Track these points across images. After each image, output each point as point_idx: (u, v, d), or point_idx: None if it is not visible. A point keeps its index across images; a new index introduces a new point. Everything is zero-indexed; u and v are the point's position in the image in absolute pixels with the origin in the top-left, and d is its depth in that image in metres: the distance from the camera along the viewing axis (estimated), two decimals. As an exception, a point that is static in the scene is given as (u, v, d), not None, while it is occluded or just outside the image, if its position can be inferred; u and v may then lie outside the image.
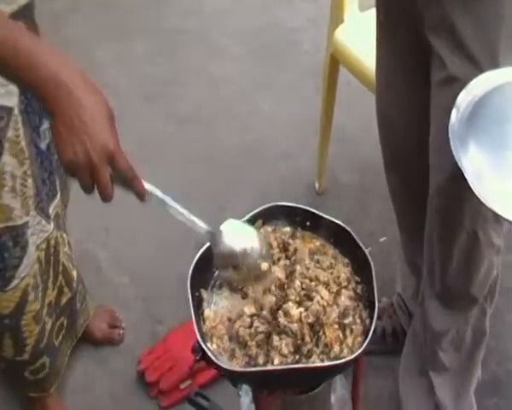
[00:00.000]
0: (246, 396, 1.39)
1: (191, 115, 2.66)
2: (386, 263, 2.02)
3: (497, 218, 1.47)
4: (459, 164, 1.16)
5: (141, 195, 1.12)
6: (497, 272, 1.65)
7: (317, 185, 2.41)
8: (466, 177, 1.14)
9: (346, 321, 1.21)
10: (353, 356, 1.17)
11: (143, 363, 1.96)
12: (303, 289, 1.24)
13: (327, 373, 1.23)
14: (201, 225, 1.17)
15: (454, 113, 1.22)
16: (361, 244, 1.28)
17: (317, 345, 1.19)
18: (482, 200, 1.12)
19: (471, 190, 1.15)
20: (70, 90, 1.03)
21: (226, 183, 2.40)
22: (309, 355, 1.18)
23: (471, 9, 1.34)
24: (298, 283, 1.24)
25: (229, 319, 1.24)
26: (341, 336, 1.20)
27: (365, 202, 2.37)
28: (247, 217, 1.31)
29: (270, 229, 1.33)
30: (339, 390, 1.47)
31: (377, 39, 1.64)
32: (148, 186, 1.12)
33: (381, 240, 2.24)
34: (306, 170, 2.44)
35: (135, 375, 1.96)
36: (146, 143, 2.49)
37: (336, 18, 2.09)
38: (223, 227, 1.19)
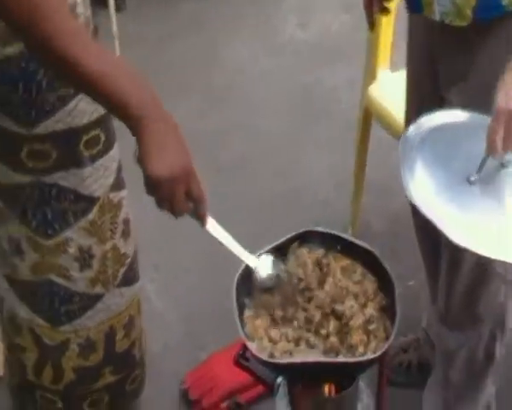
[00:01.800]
0: (281, 401, 1.56)
1: (232, 165, 2.86)
2: (414, 305, 2.15)
3: None
4: (407, 191, 1.27)
5: (203, 220, 1.26)
6: (506, 299, 1.72)
7: (350, 231, 2.56)
8: (414, 202, 1.26)
9: (371, 327, 1.36)
10: (376, 355, 1.32)
11: (187, 381, 2.12)
12: (333, 297, 1.41)
13: (351, 369, 1.38)
14: (247, 257, 1.35)
15: (404, 140, 1.35)
16: (385, 265, 1.44)
17: (343, 345, 1.35)
18: (435, 223, 1.24)
19: None
20: (157, 116, 1.14)
21: (265, 227, 2.53)
22: (336, 354, 1.34)
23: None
24: (328, 288, 1.41)
25: (270, 321, 1.39)
26: (366, 339, 1.35)
27: (395, 248, 2.51)
28: (285, 238, 1.48)
29: (305, 250, 1.48)
30: (365, 400, 1.60)
31: (406, 93, 1.82)
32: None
33: (410, 283, 2.36)
34: (341, 216, 2.59)
35: (178, 393, 2.13)
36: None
37: (370, 76, 2.29)
38: (258, 264, 1.37)
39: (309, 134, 2.98)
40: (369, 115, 2.33)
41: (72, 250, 1.59)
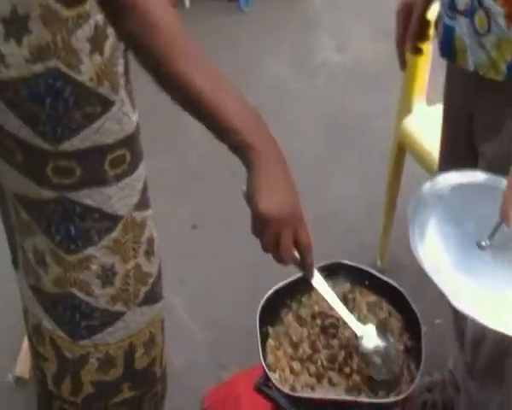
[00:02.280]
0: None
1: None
2: (440, 344, 2.13)
3: None
4: (415, 251, 1.26)
5: (310, 271, 1.19)
6: None
7: (378, 263, 2.56)
8: (423, 266, 1.24)
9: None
10: (399, 397, 1.32)
11: (207, 401, 2.14)
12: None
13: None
14: (353, 322, 1.31)
15: (417, 197, 1.34)
16: (413, 306, 1.45)
17: (366, 385, 1.35)
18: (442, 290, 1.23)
19: None
20: (270, 148, 1.12)
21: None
22: (359, 393, 1.34)
23: None
24: None
25: (292, 355, 1.40)
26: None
27: (423, 285, 2.45)
28: None
29: (331, 284, 1.44)
30: None
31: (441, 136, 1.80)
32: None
33: (436, 322, 2.36)
34: (370, 246, 2.60)
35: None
36: (219, 205, 2.72)
37: (404, 108, 2.29)
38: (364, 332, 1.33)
39: (339, 160, 2.99)
40: (403, 148, 2.33)
41: (94, 267, 1.59)
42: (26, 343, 2.23)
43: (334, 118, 3.20)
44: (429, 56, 2.18)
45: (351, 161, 2.97)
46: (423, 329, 1.42)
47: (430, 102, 2.33)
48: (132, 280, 1.66)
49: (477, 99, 1.59)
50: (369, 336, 1.36)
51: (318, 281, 1.24)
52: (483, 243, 1.26)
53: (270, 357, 1.41)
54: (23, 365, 2.22)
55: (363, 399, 1.34)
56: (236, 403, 2.10)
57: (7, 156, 1.49)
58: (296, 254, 1.18)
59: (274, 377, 1.37)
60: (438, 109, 1.88)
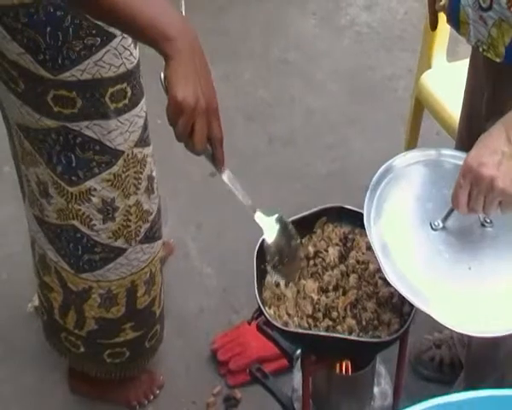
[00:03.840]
0: (298, 372, 1.60)
1: (283, 137, 2.91)
2: None
3: None
4: (367, 228, 1.24)
5: (220, 161, 1.21)
6: None
7: None
8: (373, 248, 1.22)
9: (394, 301, 1.39)
10: (394, 336, 1.35)
11: (217, 343, 2.19)
12: (353, 269, 1.43)
13: (368, 347, 1.40)
14: (257, 216, 1.33)
15: (379, 175, 1.34)
16: None
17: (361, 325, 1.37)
18: (385, 274, 1.19)
19: None
20: (190, 40, 1.13)
21: (306, 203, 2.57)
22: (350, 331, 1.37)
23: None
24: (351, 261, 1.44)
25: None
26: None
27: None
28: (313, 210, 1.49)
29: (332, 226, 1.51)
30: (383, 385, 1.65)
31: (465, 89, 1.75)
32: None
33: None
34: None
35: (208, 353, 2.20)
36: (239, 154, 2.75)
37: (424, 64, 2.28)
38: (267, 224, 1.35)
39: (361, 118, 2.99)
40: (421, 105, 2.32)
41: (95, 200, 1.64)
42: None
43: (358, 77, 3.19)
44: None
45: (371, 121, 2.97)
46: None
47: (451, 58, 2.32)
48: (133, 217, 1.70)
49: (485, 77, 1.54)
50: (272, 229, 1.37)
51: (228, 176, 1.26)
52: (436, 224, 1.26)
53: (267, 293, 1.44)
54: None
55: (356, 337, 1.36)
56: (243, 347, 2.15)
57: (10, 85, 1.52)
58: (208, 146, 1.20)
59: (268, 312, 1.40)
60: (458, 66, 1.87)
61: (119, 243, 1.71)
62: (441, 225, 1.27)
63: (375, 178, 1.35)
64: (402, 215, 1.30)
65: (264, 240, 1.38)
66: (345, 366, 1.47)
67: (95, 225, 1.67)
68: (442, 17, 1.70)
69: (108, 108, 1.56)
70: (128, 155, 1.63)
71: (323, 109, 3.04)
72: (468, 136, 1.68)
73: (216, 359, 2.18)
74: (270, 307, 1.42)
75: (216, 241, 2.52)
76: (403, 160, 1.39)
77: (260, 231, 1.40)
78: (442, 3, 1.59)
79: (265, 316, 1.39)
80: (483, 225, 1.28)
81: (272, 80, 3.19)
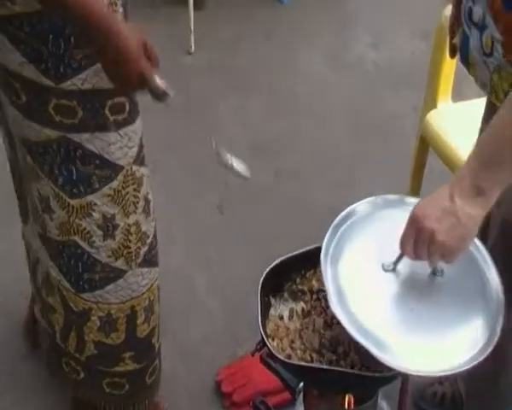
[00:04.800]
0: (301, 406, 1.62)
1: (290, 171, 2.95)
2: None
3: None
4: (323, 273, 1.30)
5: (157, 94, 1.39)
6: None
7: None
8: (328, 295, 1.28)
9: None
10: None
11: (221, 375, 2.20)
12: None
13: (370, 381, 1.43)
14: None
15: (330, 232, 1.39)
16: None
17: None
18: (337, 317, 1.26)
19: None
20: (113, 31, 1.35)
21: (310, 236, 2.59)
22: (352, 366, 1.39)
23: None
24: None
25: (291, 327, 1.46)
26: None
27: None
28: (317, 244, 1.49)
29: None
30: None
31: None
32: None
33: None
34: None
35: (212, 384, 2.21)
36: (245, 187, 2.77)
37: (429, 104, 2.32)
38: None
39: (366, 154, 3.03)
40: (426, 143, 2.36)
41: (96, 215, 1.65)
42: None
43: (363, 114, 3.23)
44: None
45: (377, 158, 3.00)
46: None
47: (455, 98, 2.36)
48: (133, 237, 1.71)
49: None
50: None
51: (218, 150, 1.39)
52: (387, 267, 1.32)
53: (270, 325, 1.47)
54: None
55: (360, 372, 1.38)
56: (248, 379, 2.16)
57: (12, 98, 1.56)
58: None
59: (272, 344, 1.42)
60: (462, 106, 1.91)
61: (119, 263, 1.73)
62: (392, 267, 1.33)
63: (336, 221, 1.42)
64: (358, 257, 1.35)
65: (276, 268, 1.46)
66: (347, 401, 1.49)
67: (95, 241, 1.69)
68: (448, 58, 1.74)
69: (108, 119, 1.58)
70: (127, 171, 1.66)
71: (330, 145, 3.08)
72: None
73: (220, 390, 2.19)
74: (273, 340, 1.44)
75: (221, 275, 2.55)
76: (365, 205, 1.47)
77: (265, 265, 1.44)
78: (454, 41, 1.62)
79: (268, 348, 1.40)
80: (434, 273, 1.34)
81: (279, 115, 3.23)
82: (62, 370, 1.95)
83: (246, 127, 3.16)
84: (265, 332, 1.45)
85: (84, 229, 1.68)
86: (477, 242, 1.39)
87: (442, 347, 1.27)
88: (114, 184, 1.65)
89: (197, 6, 3.54)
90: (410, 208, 1.29)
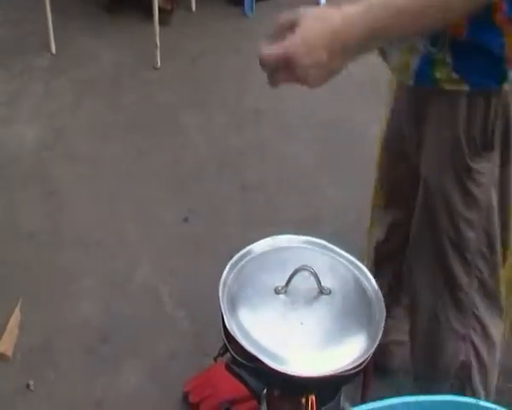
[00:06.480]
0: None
1: (256, 184, 2.97)
2: None
3: (461, 308, 1.66)
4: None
5: None
6: (469, 359, 1.71)
7: (365, 262, 2.58)
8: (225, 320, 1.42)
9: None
10: (356, 365, 1.37)
11: (188, 386, 2.20)
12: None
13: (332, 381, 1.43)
14: None
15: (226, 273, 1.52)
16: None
17: None
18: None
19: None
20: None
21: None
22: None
23: None
24: None
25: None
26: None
27: None
28: None
29: None
30: None
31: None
32: None
33: None
34: (355, 250, 2.64)
35: (180, 396, 2.20)
36: (211, 201, 2.79)
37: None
38: None
39: (333, 167, 3.05)
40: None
41: None
42: (12, 321, 2.33)
43: (332, 125, 3.26)
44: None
45: (344, 169, 3.02)
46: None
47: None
48: None
49: (406, 114, 1.78)
50: None
51: None
52: (279, 289, 1.44)
53: None
54: (7, 342, 2.30)
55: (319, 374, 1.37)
56: (214, 389, 2.15)
57: None
58: None
59: (232, 347, 1.43)
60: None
61: None
62: (284, 289, 1.44)
63: (234, 259, 1.55)
64: (253, 286, 1.48)
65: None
66: (310, 402, 1.48)
67: None
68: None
69: None
70: None
71: (296, 156, 3.10)
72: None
73: (187, 401, 2.18)
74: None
75: (188, 285, 2.55)
76: (260, 245, 1.62)
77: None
78: None
79: (230, 351, 1.40)
80: (322, 292, 1.44)
81: (244, 128, 3.25)
82: None
83: (212, 141, 3.16)
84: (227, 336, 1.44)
85: None
86: (358, 262, 1.61)
87: (330, 353, 1.38)
88: None
89: (163, 21, 3.57)
90: (295, 246, 1.65)
